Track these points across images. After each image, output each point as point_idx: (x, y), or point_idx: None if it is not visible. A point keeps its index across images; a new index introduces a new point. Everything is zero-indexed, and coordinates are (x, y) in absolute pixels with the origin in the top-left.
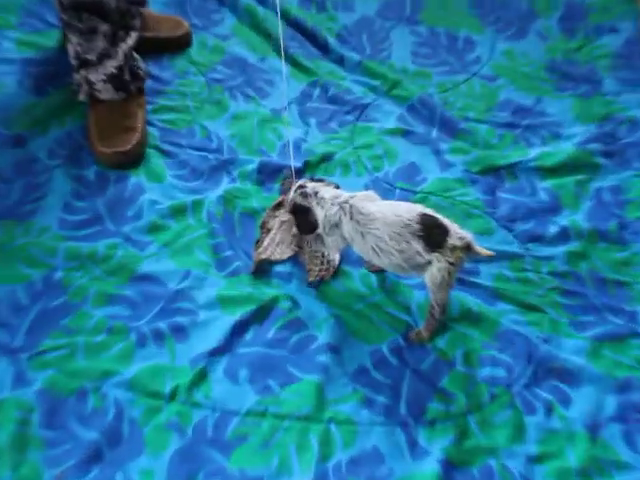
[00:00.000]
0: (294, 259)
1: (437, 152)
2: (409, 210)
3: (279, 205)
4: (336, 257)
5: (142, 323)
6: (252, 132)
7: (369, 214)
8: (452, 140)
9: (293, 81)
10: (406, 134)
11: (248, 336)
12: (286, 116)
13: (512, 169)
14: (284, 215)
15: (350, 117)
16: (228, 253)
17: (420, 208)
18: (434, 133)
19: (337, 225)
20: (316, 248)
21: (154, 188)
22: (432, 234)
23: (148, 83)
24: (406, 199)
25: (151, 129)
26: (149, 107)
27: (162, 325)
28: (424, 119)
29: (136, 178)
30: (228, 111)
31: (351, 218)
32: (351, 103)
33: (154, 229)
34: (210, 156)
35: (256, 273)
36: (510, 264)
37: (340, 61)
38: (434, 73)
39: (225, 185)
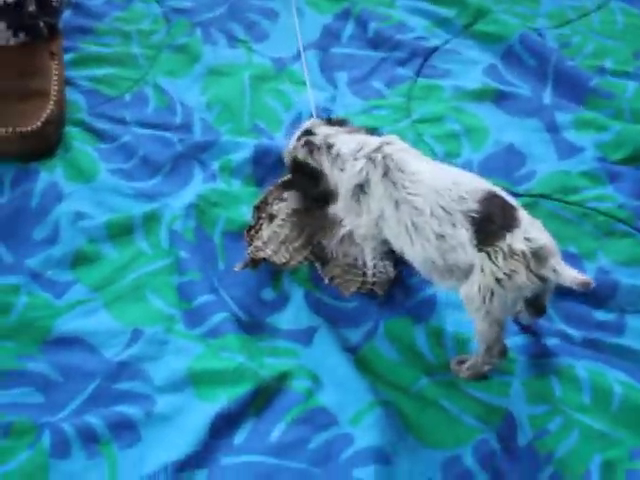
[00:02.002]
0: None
1: (553, 128)
2: (473, 182)
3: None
4: (387, 266)
5: (61, 418)
6: (241, 98)
7: (413, 173)
8: (578, 108)
9: (309, 11)
10: (500, 98)
11: (239, 437)
12: (303, 68)
13: None
14: (294, 200)
15: (405, 71)
16: (205, 299)
17: (492, 187)
18: (547, 96)
19: (362, 189)
20: (346, 250)
21: (79, 192)
22: (490, 222)
23: (67, 16)
24: None
25: (72, 94)
26: (69, 57)
27: (95, 421)
28: (529, 73)
29: (49, 175)
30: (200, 63)
31: (385, 174)
32: (407, 47)
33: (80, 261)
34: (172, 137)
35: (247, 267)
36: None
37: None
38: None
39: (198, 186)
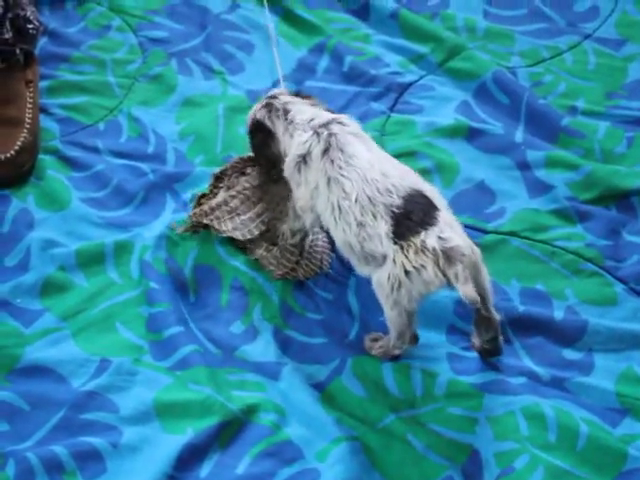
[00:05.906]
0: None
1: (523, 166)
2: (404, 177)
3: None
4: (324, 259)
5: (26, 447)
6: (215, 129)
7: (351, 156)
8: (549, 146)
9: (285, 44)
10: (472, 135)
11: (205, 470)
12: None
13: None
14: (256, 176)
15: (379, 105)
16: (174, 330)
17: (424, 184)
18: (518, 134)
19: (304, 159)
20: (293, 226)
21: (50, 220)
22: (409, 219)
23: (43, 44)
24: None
25: (47, 121)
26: (44, 84)
27: (60, 451)
28: (502, 110)
29: (21, 203)
30: (175, 93)
31: (325, 151)
32: (381, 82)
33: (49, 289)
34: (145, 167)
35: (187, 231)
36: None
37: (363, 11)
38: (518, 33)
39: (170, 217)
